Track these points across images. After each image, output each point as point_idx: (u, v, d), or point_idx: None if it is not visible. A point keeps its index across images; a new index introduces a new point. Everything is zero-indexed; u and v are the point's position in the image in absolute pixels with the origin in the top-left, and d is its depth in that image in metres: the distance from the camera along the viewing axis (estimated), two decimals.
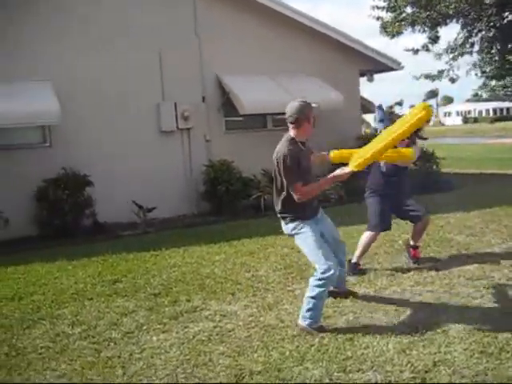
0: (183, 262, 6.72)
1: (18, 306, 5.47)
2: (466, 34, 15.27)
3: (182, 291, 5.55)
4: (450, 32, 15.81)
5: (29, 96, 8.80)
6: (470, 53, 15.73)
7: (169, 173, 10.25)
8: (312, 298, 4.34)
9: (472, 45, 15.56)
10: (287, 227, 4.62)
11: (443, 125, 77.32)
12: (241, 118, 11.00)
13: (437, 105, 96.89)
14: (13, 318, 5.10)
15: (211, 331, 4.47)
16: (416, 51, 15.07)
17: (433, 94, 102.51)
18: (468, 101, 72.39)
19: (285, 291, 5.37)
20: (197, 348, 4.15)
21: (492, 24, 14.77)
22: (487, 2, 13.74)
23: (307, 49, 11.61)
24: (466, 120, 77.74)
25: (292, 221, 4.54)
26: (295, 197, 4.39)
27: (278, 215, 4.67)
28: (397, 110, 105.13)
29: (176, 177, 10.37)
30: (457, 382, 3.42)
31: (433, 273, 5.60)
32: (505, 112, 73.61)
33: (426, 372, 3.56)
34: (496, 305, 4.65)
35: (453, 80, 15.35)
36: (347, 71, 12.13)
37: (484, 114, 75.77)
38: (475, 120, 75.73)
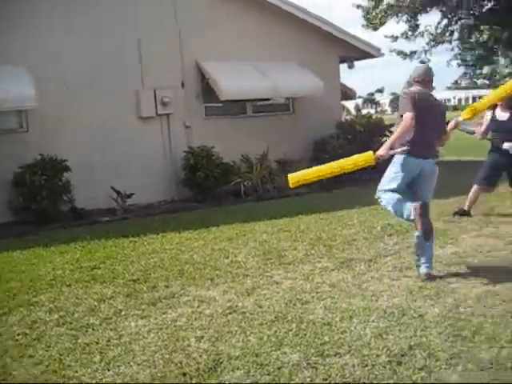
0: (162, 248, 6.70)
1: None
2: (446, 22, 15.35)
3: (160, 277, 5.54)
4: (431, 19, 15.88)
5: (3, 81, 8.65)
6: (450, 41, 15.83)
7: (148, 159, 10.20)
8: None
9: (452, 33, 15.65)
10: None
11: None
12: (220, 104, 10.97)
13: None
14: None
15: (189, 317, 4.47)
16: (395, 38, 15.13)
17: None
18: (449, 88, 72.92)
19: (263, 277, 5.39)
20: (175, 333, 4.15)
21: (472, 12, 14.87)
22: None
23: (288, 35, 11.57)
24: (445, 108, 78.16)
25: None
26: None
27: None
28: (377, 97, 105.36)
29: (155, 163, 10.32)
30: (431, 364, 3.47)
31: (410, 258, 5.65)
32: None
33: (402, 356, 3.60)
34: (471, 290, 4.71)
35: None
36: (327, 58, 12.14)
37: (463, 102, 76.56)
38: (455, 108, 76.37)
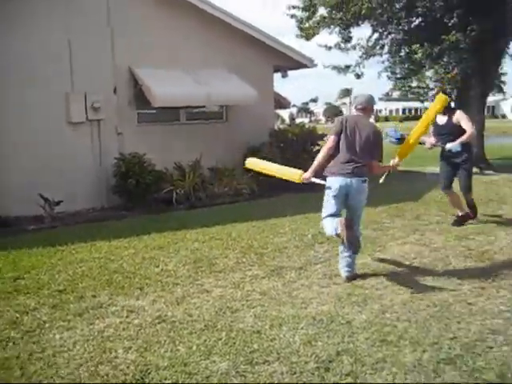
0: (91, 257, 6.52)
1: None
2: (377, 36, 15.80)
3: (88, 287, 5.38)
4: (362, 32, 16.29)
5: None
6: (381, 54, 16.29)
7: (78, 165, 9.90)
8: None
9: (382, 46, 16.11)
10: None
11: None
12: (154, 111, 10.81)
13: (350, 103, 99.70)
14: None
15: (117, 327, 4.37)
16: (329, 48, 15.42)
17: (347, 92, 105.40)
18: (380, 99, 75.13)
19: (194, 285, 5.34)
20: (102, 345, 4.04)
21: (401, 28, 15.39)
22: (397, 6, 14.29)
23: (222, 43, 11.57)
24: (377, 118, 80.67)
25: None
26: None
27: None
28: (311, 106, 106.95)
29: (86, 169, 10.04)
30: (358, 370, 3.54)
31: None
32: (413, 112, 77.22)
33: (330, 362, 3.66)
34: (397, 296, 4.84)
35: (358, 76, 15.86)
36: (261, 67, 12.21)
37: (394, 113, 79.17)
38: (386, 119, 79.03)
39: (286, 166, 11.27)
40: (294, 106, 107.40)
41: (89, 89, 9.93)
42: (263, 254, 6.30)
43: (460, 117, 7.32)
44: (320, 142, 11.49)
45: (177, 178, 10.06)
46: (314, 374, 3.51)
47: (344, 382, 3.42)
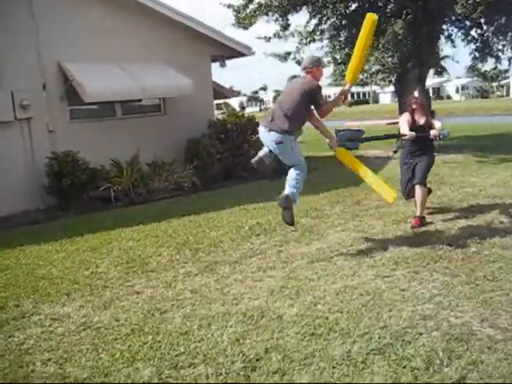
0: (17, 263, 6.20)
1: None
2: (317, 22, 15.71)
3: (11, 296, 5.10)
4: (302, 19, 16.17)
5: None
6: (321, 39, 16.23)
7: (8, 166, 9.46)
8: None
9: (322, 32, 16.05)
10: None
11: None
12: (88, 107, 10.45)
13: None
14: None
15: (38, 338, 4.14)
16: (268, 39, 15.25)
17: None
18: (329, 85, 75.65)
19: (124, 287, 5.13)
20: (19, 358, 3.81)
21: (339, 12, 15.34)
22: None
23: (156, 34, 11.28)
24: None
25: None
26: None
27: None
28: (261, 94, 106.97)
29: (17, 170, 9.61)
30: (286, 366, 3.43)
31: (275, 258, 5.65)
32: (361, 96, 78.32)
33: (258, 360, 3.54)
34: (331, 286, 4.76)
35: (299, 62, 15.75)
36: (198, 57, 11.98)
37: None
38: None
39: (227, 158, 11.30)
40: (244, 95, 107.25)
41: (16, 86, 9.49)
42: (198, 250, 6.13)
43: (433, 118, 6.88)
44: None
45: (114, 174, 9.75)
46: (239, 374, 3.38)
47: (271, 380, 3.30)
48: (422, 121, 6.90)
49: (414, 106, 6.94)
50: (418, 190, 6.69)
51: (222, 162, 11.03)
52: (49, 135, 9.98)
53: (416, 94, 7.09)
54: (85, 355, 3.79)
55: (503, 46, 14.72)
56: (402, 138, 6.84)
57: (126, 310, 4.54)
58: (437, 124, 6.82)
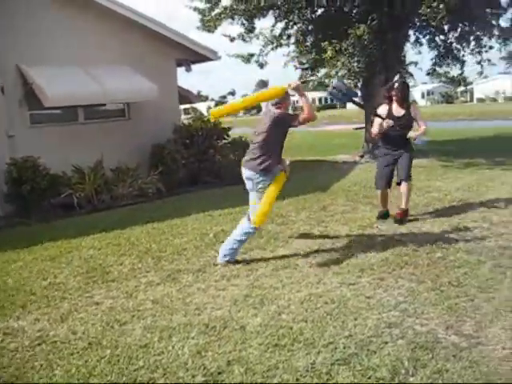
0: None
1: None
2: (283, 26, 15.69)
3: None
4: (269, 23, 16.05)
5: None
6: (287, 44, 16.20)
7: None
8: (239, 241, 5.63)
9: (289, 37, 16.03)
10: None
11: None
12: (48, 111, 10.19)
13: None
14: None
15: None
16: (232, 39, 15.16)
17: (263, 83, 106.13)
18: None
19: (83, 298, 4.94)
20: None
21: (305, 17, 15.34)
22: None
23: (121, 38, 11.07)
24: (294, 109, 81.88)
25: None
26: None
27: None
28: (229, 99, 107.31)
29: None
30: (248, 379, 3.32)
31: (240, 266, 5.53)
32: (329, 101, 78.95)
33: (219, 373, 3.42)
34: (296, 294, 4.66)
35: (261, 65, 15.70)
36: (163, 61, 11.80)
37: (311, 103, 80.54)
38: (295, 108, 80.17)
39: (193, 163, 11.09)
40: (212, 99, 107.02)
41: None
42: (161, 258, 5.97)
43: (415, 112, 6.99)
44: (226, 136, 11.27)
45: (76, 181, 9.51)
46: None
47: None
48: (400, 113, 6.99)
49: (394, 98, 6.99)
50: (404, 185, 6.99)
51: (187, 168, 10.88)
52: (7, 141, 9.67)
53: (396, 84, 7.16)
54: (38, 372, 3.61)
55: (464, 51, 14.91)
56: (381, 126, 6.83)
57: (84, 322, 4.37)
58: (422, 126, 6.91)
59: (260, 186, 5.52)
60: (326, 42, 13.00)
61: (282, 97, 5.54)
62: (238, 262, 5.63)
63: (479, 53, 14.60)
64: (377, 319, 4.06)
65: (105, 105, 11.08)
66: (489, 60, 14.93)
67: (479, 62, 14.83)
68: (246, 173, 5.59)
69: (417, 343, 3.66)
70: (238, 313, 4.32)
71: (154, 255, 6.09)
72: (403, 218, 6.96)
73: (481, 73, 16.50)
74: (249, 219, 5.61)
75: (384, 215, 7.23)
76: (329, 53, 12.86)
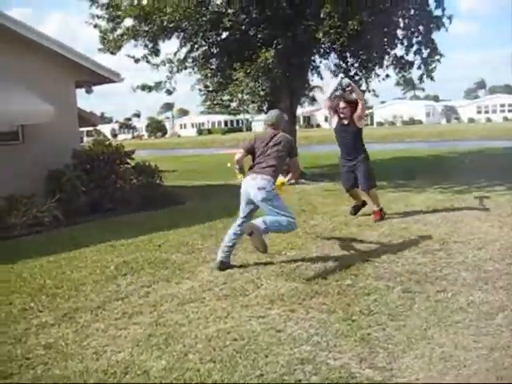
0: None
1: None
2: (189, 49, 15.51)
3: None
4: (174, 46, 15.79)
5: None
6: (192, 67, 16.02)
7: None
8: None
9: (194, 60, 15.86)
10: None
11: (179, 136, 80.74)
12: None
13: (172, 116, 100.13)
14: None
15: None
16: (137, 60, 14.76)
17: (169, 106, 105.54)
18: (202, 113, 76.23)
19: None
20: None
21: (210, 40, 15.26)
22: (203, 19, 14.07)
23: (14, 57, 10.40)
24: (200, 131, 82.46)
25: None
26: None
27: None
28: (135, 121, 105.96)
29: None
30: None
31: (142, 301, 5.17)
32: (235, 124, 79.90)
33: None
34: (203, 331, 4.37)
35: (169, 92, 15.42)
36: (60, 82, 11.22)
37: (217, 126, 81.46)
38: (209, 131, 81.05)
39: (94, 189, 10.61)
40: (116, 121, 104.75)
41: None
42: (56, 295, 5.46)
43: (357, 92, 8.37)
44: (128, 160, 10.84)
45: None
46: None
47: None
48: (346, 121, 8.12)
49: (341, 109, 8.09)
50: (367, 194, 8.24)
51: (88, 194, 10.31)
52: None
53: (340, 93, 8.10)
54: None
55: (365, 78, 15.46)
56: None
57: None
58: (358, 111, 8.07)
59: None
60: (238, 63, 12.98)
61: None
62: (140, 297, 5.27)
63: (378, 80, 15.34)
64: (289, 355, 3.86)
65: None
66: (374, 90, 15.97)
67: (373, 90, 15.80)
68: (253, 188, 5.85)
69: (331, 380, 3.50)
70: (140, 355, 3.97)
71: (49, 292, 5.56)
72: (382, 215, 8.19)
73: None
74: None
75: (358, 207, 8.60)
76: (241, 74, 12.83)
